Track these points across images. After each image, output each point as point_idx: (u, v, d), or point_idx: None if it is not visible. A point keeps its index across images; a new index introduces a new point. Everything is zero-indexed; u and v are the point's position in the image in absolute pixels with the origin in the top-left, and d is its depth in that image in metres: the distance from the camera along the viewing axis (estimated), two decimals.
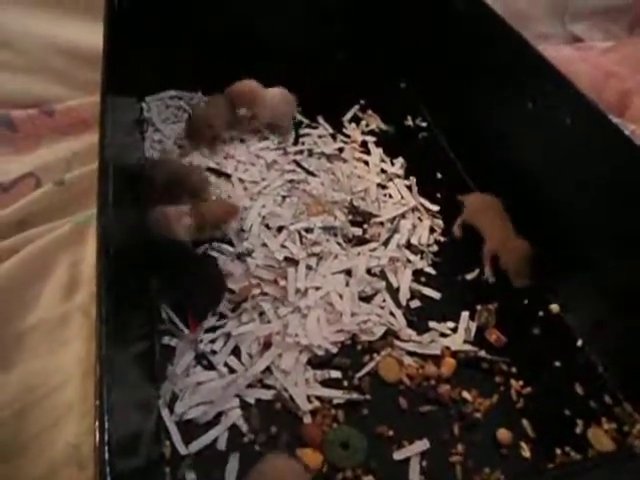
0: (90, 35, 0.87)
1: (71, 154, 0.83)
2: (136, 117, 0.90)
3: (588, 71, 0.95)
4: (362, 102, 1.01)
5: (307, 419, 0.58)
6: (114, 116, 0.67)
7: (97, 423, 0.35)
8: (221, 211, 0.75)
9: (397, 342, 0.66)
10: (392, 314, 0.69)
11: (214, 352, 0.63)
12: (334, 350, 0.64)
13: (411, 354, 0.65)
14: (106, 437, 0.35)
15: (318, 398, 0.60)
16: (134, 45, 0.83)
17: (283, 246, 0.75)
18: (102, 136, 0.54)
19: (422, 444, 0.57)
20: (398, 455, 0.56)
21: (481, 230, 0.75)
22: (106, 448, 0.35)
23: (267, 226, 0.78)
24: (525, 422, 0.60)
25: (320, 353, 0.64)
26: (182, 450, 0.55)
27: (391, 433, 0.58)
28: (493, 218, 0.74)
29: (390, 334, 0.66)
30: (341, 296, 0.69)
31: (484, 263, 0.74)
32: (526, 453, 0.58)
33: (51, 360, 0.62)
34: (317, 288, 0.70)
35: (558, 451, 0.58)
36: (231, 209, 0.76)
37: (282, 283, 0.70)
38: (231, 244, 0.74)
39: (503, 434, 0.58)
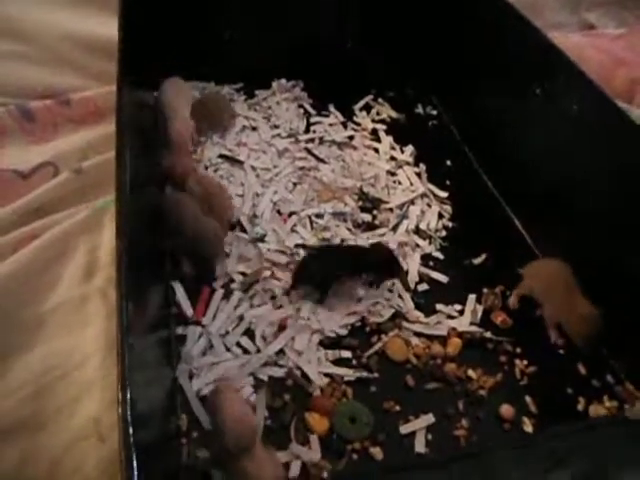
0: (105, 26, 0.89)
1: (87, 143, 0.86)
2: (151, 106, 0.92)
3: (597, 58, 0.95)
4: (373, 91, 1.02)
5: (317, 393, 0.60)
6: (129, 105, 0.70)
7: (120, 396, 0.37)
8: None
9: (405, 324, 0.67)
10: (400, 297, 0.71)
11: (227, 333, 0.65)
12: (344, 332, 0.66)
13: (418, 335, 0.67)
14: (128, 411, 0.37)
15: (329, 376, 0.62)
16: (148, 35, 0.85)
17: (294, 231, 0.77)
18: (119, 123, 0.56)
19: (428, 418, 0.59)
20: (404, 429, 0.58)
21: (543, 298, 0.69)
22: (129, 420, 0.37)
23: (279, 212, 0.80)
24: (528, 399, 0.62)
25: (331, 335, 0.66)
26: (205, 422, 0.57)
27: (398, 408, 0.60)
28: (556, 285, 0.67)
29: (398, 316, 0.68)
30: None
31: (549, 330, 0.68)
32: (528, 428, 0.60)
33: (71, 340, 0.64)
34: None
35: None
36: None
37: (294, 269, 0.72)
38: (244, 230, 0.76)
39: (506, 410, 0.60)
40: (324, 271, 0.68)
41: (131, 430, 0.37)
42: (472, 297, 0.72)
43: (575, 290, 0.66)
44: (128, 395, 0.38)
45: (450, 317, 0.69)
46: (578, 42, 1.01)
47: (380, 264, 0.70)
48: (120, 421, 0.38)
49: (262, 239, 0.75)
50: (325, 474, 0.53)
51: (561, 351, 0.67)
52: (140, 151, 0.70)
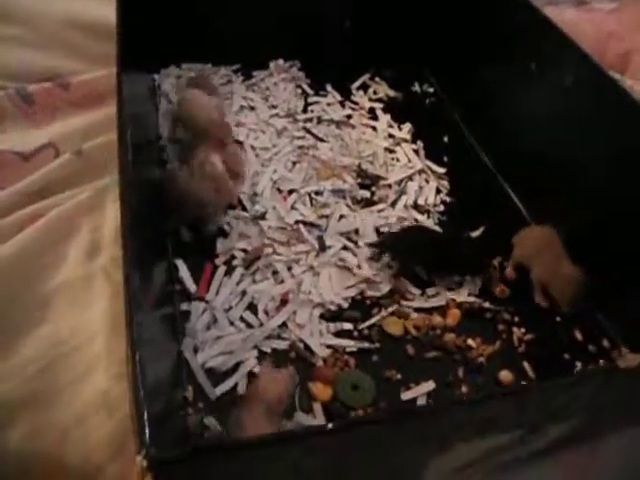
0: (103, 8, 0.89)
1: (87, 126, 0.86)
2: (149, 89, 0.93)
3: (591, 32, 0.96)
4: (370, 70, 1.03)
5: (320, 364, 0.62)
6: (128, 88, 0.70)
7: (131, 367, 0.38)
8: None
9: (403, 301, 0.68)
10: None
11: (230, 308, 0.66)
12: (345, 305, 0.68)
13: (417, 310, 0.68)
14: (139, 380, 0.38)
15: (331, 347, 0.64)
16: (146, 17, 0.85)
17: (294, 208, 0.78)
18: (120, 104, 0.57)
19: (428, 385, 0.60)
20: (405, 395, 0.60)
21: (531, 262, 0.70)
22: (141, 390, 0.38)
23: (279, 190, 0.80)
24: (526, 365, 0.63)
25: (332, 308, 0.67)
26: (210, 392, 0.58)
27: (399, 376, 0.61)
28: (543, 249, 0.69)
29: (396, 291, 0.69)
30: (353, 253, 0.72)
31: (535, 292, 0.70)
32: None
33: (77, 318, 0.65)
34: (328, 247, 0.73)
35: None
36: None
37: (295, 245, 0.73)
38: (245, 209, 0.77)
39: (505, 375, 0.62)
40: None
41: (142, 394, 0.38)
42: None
43: (561, 253, 0.68)
44: (138, 368, 0.39)
45: (449, 289, 0.71)
46: (572, 17, 1.01)
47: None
48: (132, 391, 0.39)
49: (263, 217, 0.76)
50: None
51: (558, 318, 0.68)
52: (138, 133, 0.71)
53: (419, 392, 0.60)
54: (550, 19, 0.76)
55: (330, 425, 0.36)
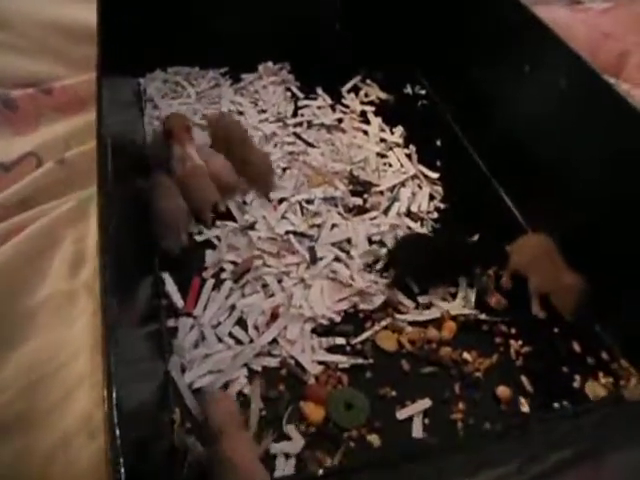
0: (86, 12, 0.86)
1: (70, 133, 0.84)
2: (134, 93, 0.90)
3: (584, 32, 0.94)
4: (361, 72, 1.01)
5: (312, 382, 0.60)
6: (111, 93, 0.68)
7: (106, 393, 0.36)
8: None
9: (397, 315, 0.66)
10: None
11: (219, 324, 0.64)
12: (337, 319, 0.66)
13: (411, 323, 0.66)
14: (114, 405, 0.36)
15: (323, 364, 0.62)
16: (129, 20, 0.83)
17: (284, 217, 0.76)
18: (99, 113, 0.54)
19: (424, 403, 0.59)
20: (401, 414, 0.58)
21: (528, 271, 0.69)
22: (115, 415, 0.36)
23: (268, 199, 0.78)
24: (524, 379, 0.62)
25: (324, 322, 0.65)
26: (198, 414, 0.56)
27: (394, 394, 0.60)
28: (540, 257, 0.68)
29: (390, 304, 0.67)
30: (345, 265, 0.70)
31: (532, 302, 0.68)
32: (525, 408, 0.60)
33: (60, 335, 0.63)
34: (320, 258, 0.71)
35: (556, 405, 0.60)
36: None
37: (285, 257, 0.71)
38: (233, 219, 0.75)
39: (502, 391, 0.60)
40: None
41: (117, 432, 0.36)
42: (464, 279, 0.71)
43: (559, 261, 0.67)
44: (114, 395, 0.37)
45: (444, 299, 0.69)
46: (565, 17, 0.99)
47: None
48: (106, 421, 0.37)
49: (252, 227, 0.74)
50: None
51: (555, 329, 0.67)
52: (123, 140, 0.69)
53: (415, 410, 0.58)
54: (542, 20, 0.74)
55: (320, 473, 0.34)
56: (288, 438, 0.55)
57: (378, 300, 0.67)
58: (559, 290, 0.66)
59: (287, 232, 0.73)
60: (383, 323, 0.65)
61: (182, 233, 0.69)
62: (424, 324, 0.66)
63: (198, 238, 0.73)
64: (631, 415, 0.38)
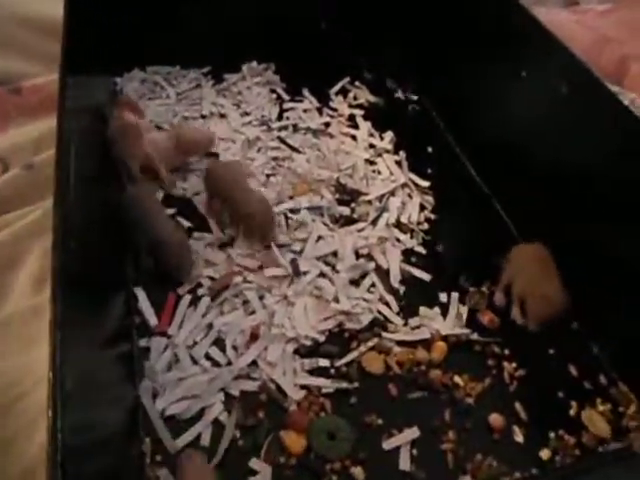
0: (55, 5, 0.81)
1: (40, 135, 0.79)
2: (110, 94, 0.86)
3: (584, 35, 0.91)
4: (350, 74, 0.96)
5: (293, 409, 0.56)
6: (82, 93, 0.63)
7: (49, 435, 0.33)
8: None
9: (385, 333, 0.63)
10: (381, 299, 0.66)
11: (194, 344, 0.60)
12: (321, 339, 0.62)
13: (400, 343, 0.62)
14: (59, 448, 0.33)
15: (305, 388, 0.58)
16: (104, 14, 0.78)
17: None
18: (60, 118, 0.50)
19: (412, 432, 0.55)
20: (388, 445, 0.54)
21: (515, 277, 0.66)
22: (59, 453, 0.32)
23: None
24: (518, 405, 0.58)
25: (307, 343, 0.61)
26: (170, 445, 0.52)
27: (380, 422, 0.56)
28: (531, 265, 0.66)
29: (377, 324, 0.64)
30: (331, 281, 0.67)
31: (513, 307, 0.66)
32: (519, 438, 0.56)
33: (24, 358, 0.59)
34: (304, 273, 0.67)
35: (552, 435, 0.57)
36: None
37: (267, 271, 0.67)
38: (211, 232, 0.71)
39: (495, 419, 0.56)
40: None
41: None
42: (455, 296, 0.67)
43: (550, 271, 0.64)
44: (59, 437, 0.33)
45: (433, 319, 0.65)
46: (564, 19, 0.96)
47: None
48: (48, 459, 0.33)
49: (231, 242, 0.69)
50: None
51: (551, 351, 0.64)
52: (92, 145, 0.65)
53: (402, 440, 0.54)
54: (541, 22, 0.71)
55: None
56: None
57: (365, 319, 0.63)
58: (535, 297, 0.63)
59: (267, 247, 0.69)
60: (370, 344, 0.61)
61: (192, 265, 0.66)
62: (413, 344, 0.62)
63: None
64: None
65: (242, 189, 0.71)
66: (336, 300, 0.64)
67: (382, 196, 0.78)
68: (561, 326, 0.65)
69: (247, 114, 0.88)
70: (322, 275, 0.67)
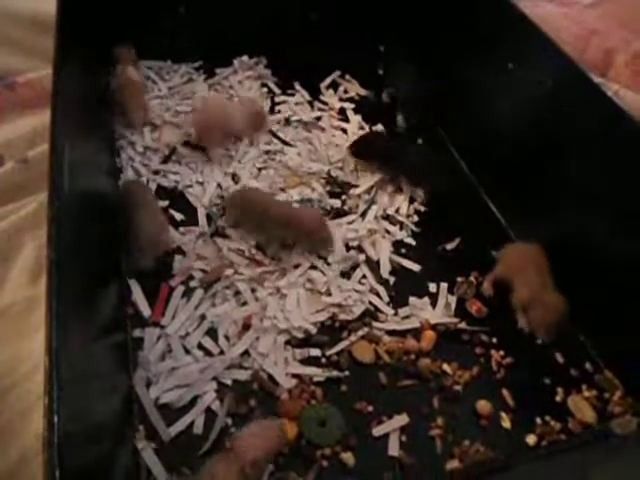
0: (47, 1, 0.82)
1: (34, 130, 0.79)
2: (102, 89, 0.86)
3: (571, 28, 0.92)
4: (340, 67, 0.97)
5: (285, 397, 0.57)
6: (74, 88, 0.64)
7: (46, 421, 0.34)
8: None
9: (375, 323, 0.64)
10: (371, 290, 0.67)
11: (187, 334, 0.61)
12: (313, 330, 0.63)
13: (390, 333, 0.63)
14: (56, 431, 0.34)
15: (297, 376, 0.59)
16: (96, 11, 0.78)
17: None
18: (54, 114, 0.51)
19: (401, 419, 0.56)
20: (377, 431, 0.55)
21: (514, 282, 0.65)
22: (55, 439, 0.33)
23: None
24: (505, 392, 0.60)
25: (299, 335, 0.62)
26: (163, 432, 0.53)
27: (370, 409, 0.57)
28: (528, 269, 0.64)
29: (368, 314, 0.65)
30: (322, 273, 0.67)
31: (517, 313, 0.65)
32: (506, 423, 0.57)
33: (19, 347, 0.60)
34: (295, 266, 0.68)
35: (538, 420, 0.58)
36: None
37: (258, 267, 0.67)
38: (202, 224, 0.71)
39: (483, 406, 0.58)
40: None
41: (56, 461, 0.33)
42: (444, 286, 0.69)
43: (546, 276, 0.64)
44: (55, 419, 0.34)
45: (423, 308, 0.66)
46: (550, 12, 0.97)
47: None
48: (45, 447, 0.34)
49: (223, 233, 0.70)
50: None
51: (538, 339, 0.65)
52: (85, 140, 0.65)
53: (392, 427, 0.56)
54: (527, 15, 0.72)
55: None
56: None
57: (357, 310, 0.64)
58: (538, 307, 0.62)
59: (257, 245, 0.69)
60: (360, 333, 0.62)
61: (159, 250, 0.65)
62: (403, 333, 0.63)
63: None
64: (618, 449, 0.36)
65: (284, 206, 0.70)
66: (328, 292, 0.65)
67: (371, 188, 0.79)
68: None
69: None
70: (313, 267, 0.68)
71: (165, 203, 0.73)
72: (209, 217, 0.72)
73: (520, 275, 0.64)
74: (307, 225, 0.67)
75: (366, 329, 0.63)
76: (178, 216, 0.72)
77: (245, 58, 0.95)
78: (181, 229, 0.70)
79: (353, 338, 0.62)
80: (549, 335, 0.63)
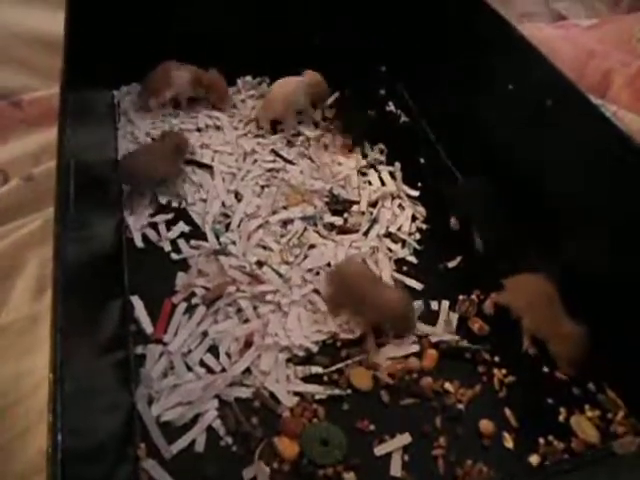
0: (54, 21, 0.83)
1: (40, 147, 0.81)
2: (108, 107, 0.87)
3: (570, 50, 0.93)
4: (342, 87, 0.98)
5: (286, 415, 0.57)
6: (81, 107, 0.65)
7: (50, 437, 0.34)
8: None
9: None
10: None
11: (189, 351, 0.61)
12: (315, 349, 0.63)
13: (390, 358, 0.63)
14: (59, 448, 0.34)
15: (299, 394, 0.59)
16: (104, 30, 0.80)
17: (261, 242, 0.73)
18: (61, 131, 0.51)
19: (404, 438, 0.56)
20: (379, 450, 0.55)
21: (523, 313, 0.65)
22: (59, 457, 0.33)
23: (246, 215, 0.75)
24: (508, 411, 0.59)
25: (300, 353, 0.62)
26: (165, 450, 0.53)
27: (372, 428, 0.57)
28: (539, 305, 0.63)
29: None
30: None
31: (524, 340, 0.65)
32: (509, 443, 0.57)
33: (22, 364, 0.60)
34: (298, 285, 0.68)
35: (541, 440, 0.58)
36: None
37: (260, 285, 0.67)
38: (207, 240, 0.72)
39: (485, 425, 0.57)
40: None
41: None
42: (446, 304, 0.69)
43: (558, 308, 0.62)
44: (59, 436, 0.34)
45: (424, 324, 0.66)
46: (550, 34, 0.98)
47: None
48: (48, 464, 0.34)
49: (225, 252, 0.71)
50: None
51: (540, 358, 0.64)
52: (92, 158, 0.66)
53: (394, 446, 0.55)
54: (526, 37, 0.73)
55: None
56: None
57: (358, 330, 0.64)
58: (557, 339, 0.61)
59: (258, 262, 0.70)
60: (357, 358, 0.62)
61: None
62: (402, 359, 0.63)
63: (174, 256, 0.70)
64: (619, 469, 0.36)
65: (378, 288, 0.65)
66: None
67: (374, 206, 0.80)
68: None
69: (242, 127, 0.89)
70: (316, 286, 0.68)
71: (169, 216, 0.74)
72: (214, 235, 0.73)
73: (529, 307, 0.64)
74: (395, 309, 0.63)
75: (364, 355, 0.62)
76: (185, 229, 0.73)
77: (249, 78, 0.97)
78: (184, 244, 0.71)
79: (349, 362, 0.61)
80: (573, 369, 0.62)
